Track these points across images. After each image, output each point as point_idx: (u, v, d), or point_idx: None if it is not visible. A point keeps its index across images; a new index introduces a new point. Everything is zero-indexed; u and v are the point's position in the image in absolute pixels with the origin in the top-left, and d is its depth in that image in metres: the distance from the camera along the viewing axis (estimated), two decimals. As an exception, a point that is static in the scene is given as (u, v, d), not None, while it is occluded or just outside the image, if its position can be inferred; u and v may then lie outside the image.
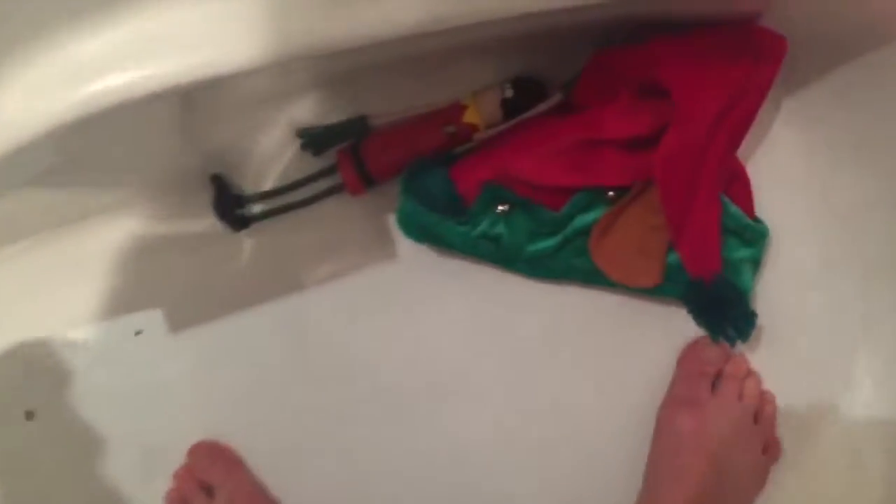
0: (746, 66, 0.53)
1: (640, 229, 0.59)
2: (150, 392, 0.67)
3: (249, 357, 0.67)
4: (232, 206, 0.62)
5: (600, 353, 0.66)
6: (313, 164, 0.64)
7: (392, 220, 0.64)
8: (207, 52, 0.43)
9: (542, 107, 0.59)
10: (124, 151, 0.57)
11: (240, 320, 0.66)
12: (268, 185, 0.64)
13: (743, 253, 0.59)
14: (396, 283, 0.66)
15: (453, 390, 0.66)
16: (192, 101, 0.55)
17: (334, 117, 0.63)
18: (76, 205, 0.64)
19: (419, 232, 0.61)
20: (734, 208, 0.58)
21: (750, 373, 0.63)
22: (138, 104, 0.44)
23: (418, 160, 0.59)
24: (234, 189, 0.64)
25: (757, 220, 0.60)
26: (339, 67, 0.59)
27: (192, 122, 0.58)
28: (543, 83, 0.61)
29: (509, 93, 0.60)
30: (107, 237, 0.65)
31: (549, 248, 0.60)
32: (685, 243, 0.57)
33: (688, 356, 0.64)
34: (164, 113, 0.55)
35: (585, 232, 0.59)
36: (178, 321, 0.67)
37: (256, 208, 0.64)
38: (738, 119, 0.54)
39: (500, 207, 0.59)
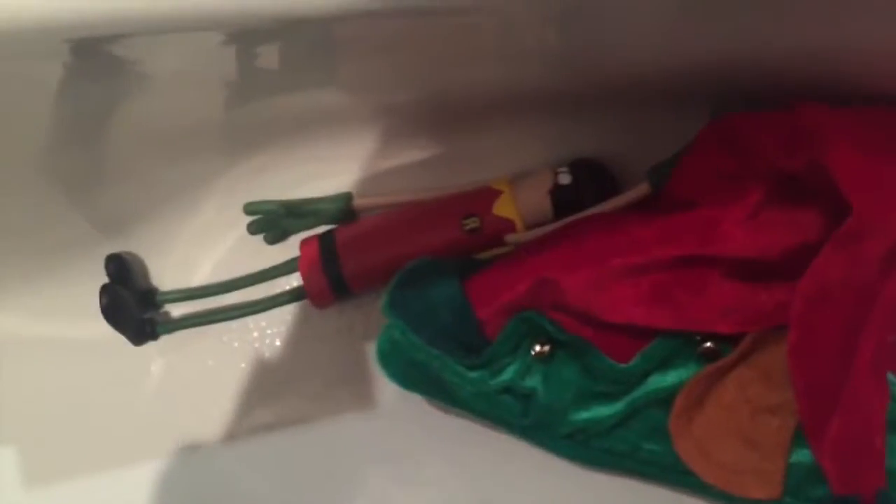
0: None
1: (750, 408, 0.38)
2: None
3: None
4: (134, 307, 0.42)
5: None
6: (265, 256, 0.44)
7: (370, 349, 0.44)
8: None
9: (616, 201, 0.39)
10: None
11: (131, 472, 0.45)
12: (195, 280, 0.44)
13: (916, 461, 0.38)
14: (365, 446, 0.44)
15: None
16: (91, 122, 0.36)
17: (304, 191, 0.43)
18: None
19: (408, 373, 0.39)
20: (904, 390, 0.37)
21: None
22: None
23: (419, 261, 0.39)
24: (141, 281, 0.43)
25: (934, 410, 0.39)
26: (320, 106, 0.39)
27: (89, 166, 0.38)
28: (614, 173, 0.42)
29: (565, 179, 0.40)
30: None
31: (607, 420, 0.39)
32: (829, 440, 0.36)
33: None
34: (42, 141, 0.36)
35: (665, 401, 0.38)
36: (43, 462, 0.45)
37: (174, 312, 0.44)
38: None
39: (538, 347, 0.38)
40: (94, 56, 0.29)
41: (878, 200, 0.32)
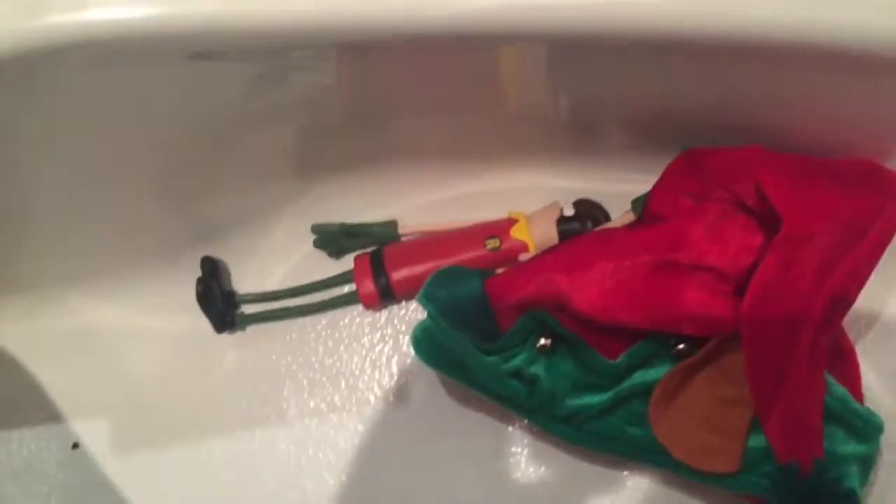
0: (869, 201, 0.43)
1: (715, 401, 0.46)
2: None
3: (200, 491, 0.53)
4: (219, 298, 0.52)
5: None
6: (326, 268, 0.54)
7: (406, 346, 0.53)
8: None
9: (607, 226, 0.49)
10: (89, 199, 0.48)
11: (199, 444, 0.53)
12: (268, 285, 0.54)
13: (851, 448, 0.45)
14: (397, 433, 0.53)
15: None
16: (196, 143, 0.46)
17: (359, 216, 0.54)
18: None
19: (435, 353, 0.48)
20: (839, 388, 0.45)
21: None
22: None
23: (449, 267, 0.49)
24: (225, 282, 0.53)
25: (867, 409, 0.47)
26: (375, 149, 0.50)
27: (196, 176, 0.49)
28: (607, 208, 0.52)
29: (569, 212, 0.51)
30: (53, 322, 0.55)
31: (596, 407, 0.47)
32: (775, 420, 0.44)
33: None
34: (154, 149, 0.45)
35: (647, 393, 0.46)
36: (128, 435, 0.54)
37: (248, 310, 0.54)
38: (853, 264, 0.43)
39: (542, 341, 0.47)
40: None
41: (802, 213, 0.41)
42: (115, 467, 0.53)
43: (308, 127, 0.49)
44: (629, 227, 0.48)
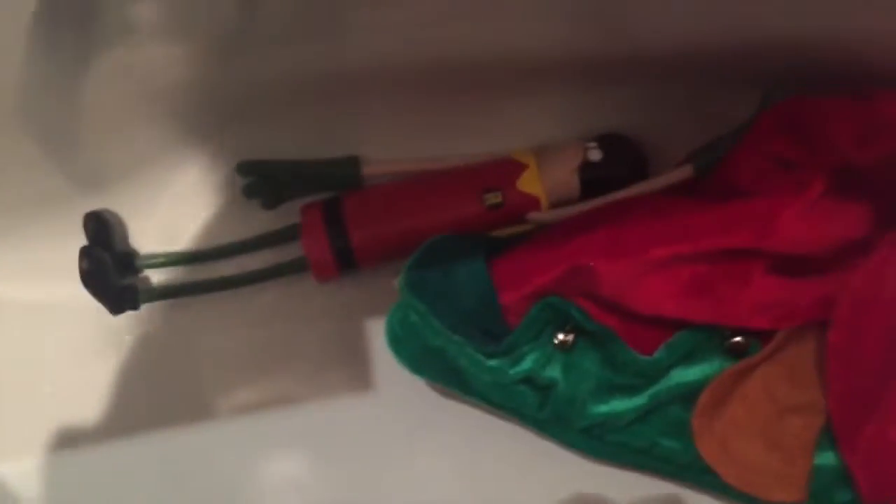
0: None
1: (775, 407, 0.36)
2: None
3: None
4: (115, 272, 0.38)
5: None
6: (260, 222, 0.40)
7: (373, 327, 0.40)
8: None
9: (654, 183, 0.36)
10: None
11: (100, 449, 0.41)
12: (179, 244, 0.40)
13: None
14: (356, 432, 0.41)
15: None
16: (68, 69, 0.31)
17: (307, 151, 0.39)
18: None
19: (422, 358, 0.36)
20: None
21: None
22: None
23: (440, 238, 0.36)
24: (121, 242, 0.39)
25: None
26: (320, 60, 0.35)
27: (67, 115, 0.34)
28: (645, 153, 0.39)
29: (595, 155, 0.37)
30: None
31: (627, 414, 0.36)
32: (862, 447, 0.34)
33: None
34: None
35: (685, 396, 0.36)
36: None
37: (155, 279, 0.40)
38: None
39: (561, 336, 0.35)
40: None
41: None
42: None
43: (224, 38, 0.33)
44: (689, 193, 0.35)
